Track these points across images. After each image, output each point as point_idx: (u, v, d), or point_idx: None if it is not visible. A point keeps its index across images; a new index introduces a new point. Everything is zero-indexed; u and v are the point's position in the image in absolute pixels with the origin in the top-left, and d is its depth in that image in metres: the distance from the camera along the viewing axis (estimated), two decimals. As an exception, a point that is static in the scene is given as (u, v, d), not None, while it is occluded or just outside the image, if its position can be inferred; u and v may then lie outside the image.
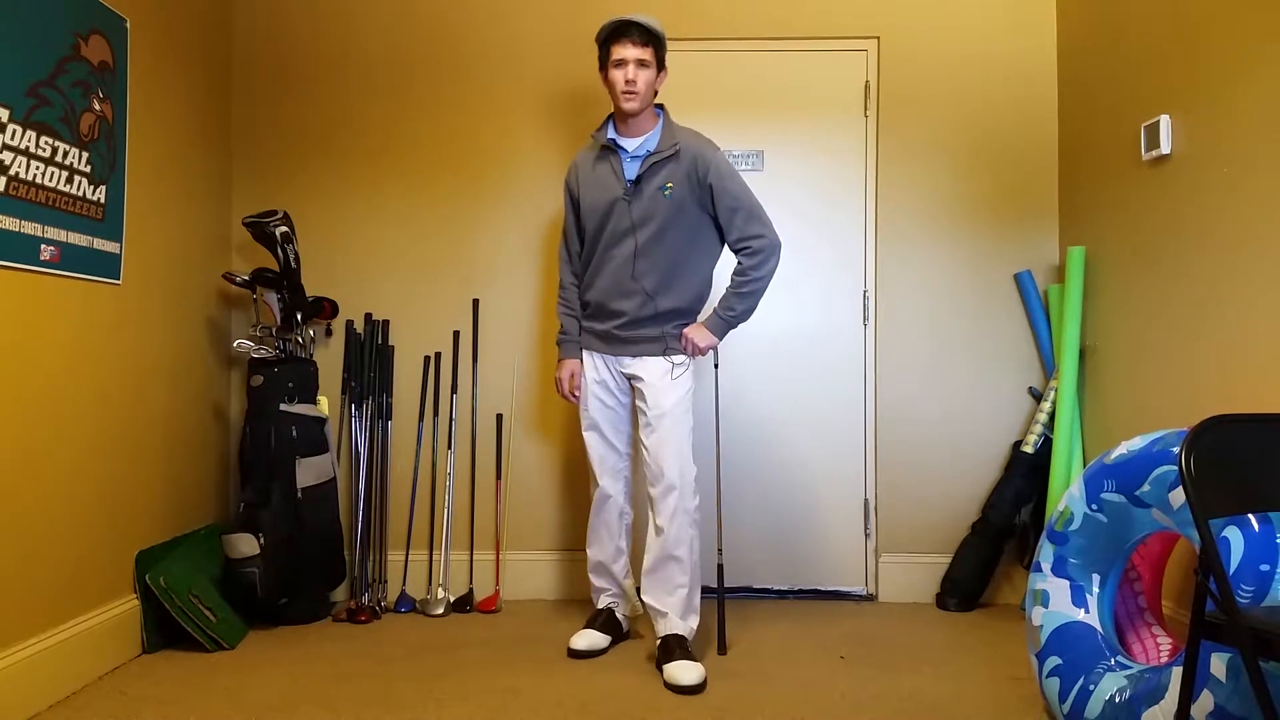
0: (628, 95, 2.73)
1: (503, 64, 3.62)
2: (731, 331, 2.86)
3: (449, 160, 3.62)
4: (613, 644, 2.96)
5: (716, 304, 2.82)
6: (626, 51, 2.72)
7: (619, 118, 2.82)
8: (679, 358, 2.80)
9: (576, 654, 2.85)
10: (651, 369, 2.81)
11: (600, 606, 3.01)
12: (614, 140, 2.82)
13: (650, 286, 2.78)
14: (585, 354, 2.94)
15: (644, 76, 2.73)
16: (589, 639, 2.89)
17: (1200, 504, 1.69)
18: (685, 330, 2.79)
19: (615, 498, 2.94)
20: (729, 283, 2.81)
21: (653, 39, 2.75)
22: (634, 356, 2.83)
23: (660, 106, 2.87)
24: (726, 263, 2.89)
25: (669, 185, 2.75)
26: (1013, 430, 3.56)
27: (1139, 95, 3.02)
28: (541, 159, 3.60)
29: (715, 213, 2.79)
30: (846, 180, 3.62)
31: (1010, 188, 3.59)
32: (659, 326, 2.80)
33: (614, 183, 2.81)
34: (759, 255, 2.76)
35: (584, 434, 2.95)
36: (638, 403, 2.86)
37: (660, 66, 2.80)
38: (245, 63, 3.62)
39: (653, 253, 2.78)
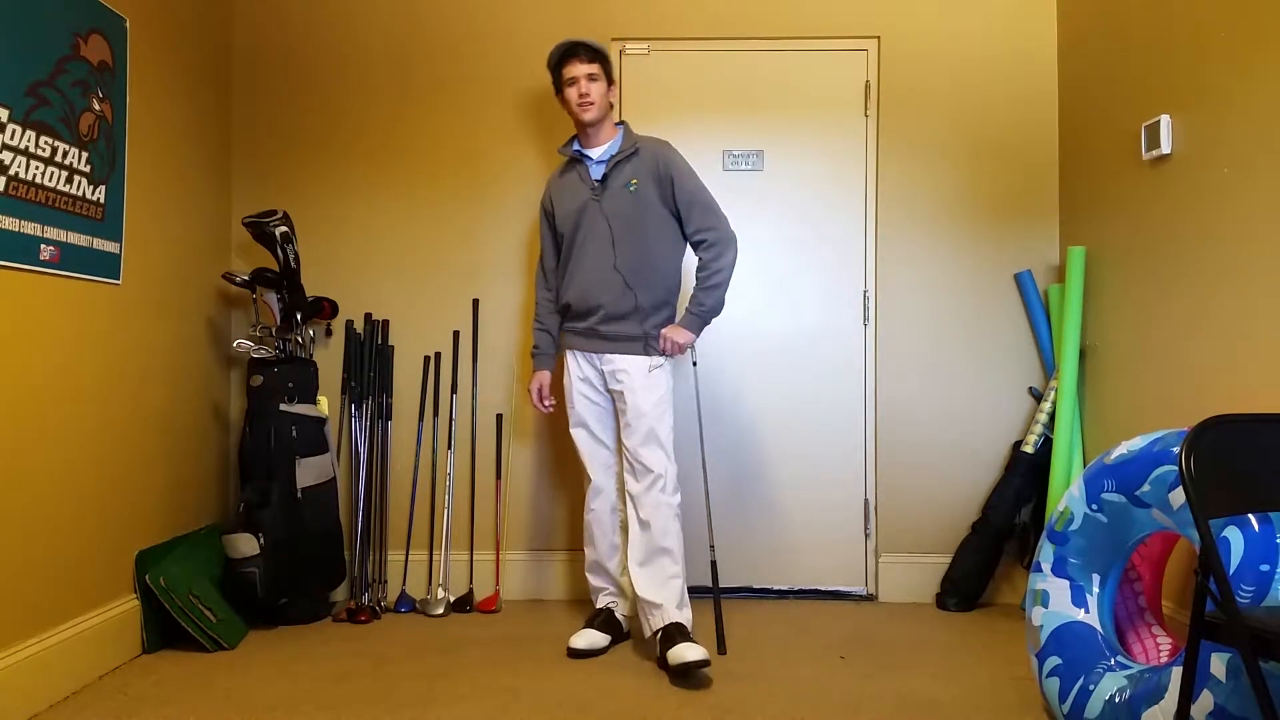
0: (584, 106, 2.91)
1: (503, 64, 3.62)
2: (707, 327, 2.96)
3: (449, 160, 3.62)
4: (612, 643, 2.96)
5: (688, 304, 2.91)
6: (576, 70, 2.91)
7: (581, 132, 2.99)
8: (658, 359, 2.89)
9: (576, 653, 2.86)
10: (631, 368, 2.88)
11: (599, 606, 3.02)
12: (579, 151, 2.99)
13: (627, 274, 2.88)
14: (568, 354, 3.03)
15: (596, 88, 2.91)
16: (588, 638, 2.90)
17: (1200, 504, 1.69)
18: (663, 330, 2.88)
19: (606, 493, 3.00)
20: (695, 282, 2.91)
21: (598, 55, 2.94)
22: (614, 354, 2.91)
23: (621, 122, 3.04)
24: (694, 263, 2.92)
25: (633, 181, 2.90)
26: (1013, 430, 3.56)
27: (1139, 95, 3.02)
28: (541, 159, 3.60)
29: (675, 206, 2.92)
30: (846, 180, 3.62)
31: (1010, 188, 3.59)
32: (640, 324, 2.88)
33: (582, 187, 2.96)
34: (716, 247, 2.88)
35: (571, 431, 3.03)
36: (618, 403, 2.93)
37: (610, 80, 2.97)
38: (245, 62, 3.62)
39: (627, 241, 2.89)
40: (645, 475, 2.82)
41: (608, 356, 2.92)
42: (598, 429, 2.99)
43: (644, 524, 2.81)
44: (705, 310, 2.89)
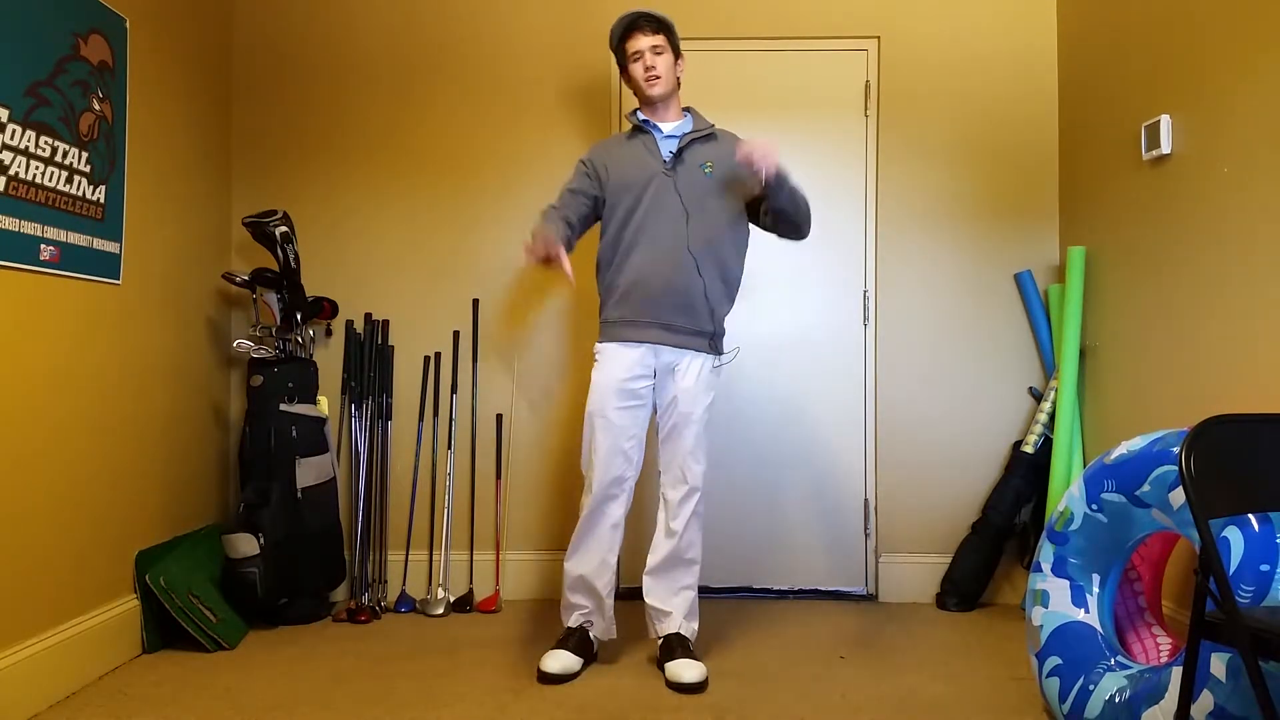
0: (650, 80, 2.75)
1: (503, 63, 3.62)
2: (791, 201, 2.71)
3: (449, 160, 3.62)
4: (584, 667, 2.73)
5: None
6: (640, 43, 2.75)
7: (648, 106, 2.81)
8: (718, 360, 2.79)
9: (548, 678, 2.63)
10: (691, 367, 2.73)
11: (572, 626, 2.77)
12: (647, 121, 2.81)
13: (699, 257, 2.69)
14: (612, 346, 2.74)
15: (662, 62, 2.75)
16: (562, 661, 2.67)
17: (1200, 504, 1.69)
18: (755, 140, 2.59)
19: (612, 510, 2.73)
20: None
21: (663, 27, 2.77)
22: (677, 348, 2.72)
23: (688, 108, 2.87)
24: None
25: (709, 164, 2.74)
26: (1013, 430, 3.56)
27: (1139, 95, 3.02)
28: (541, 158, 3.59)
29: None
30: (846, 180, 3.61)
31: (1010, 188, 3.59)
32: (709, 319, 2.74)
33: (650, 160, 2.75)
34: None
35: (594, 437, 2.71)
36: (658, 401, 2.76)
37: (677, 53, 2.81)
38: (245, 62, 3.62)
39: (701, 223, 2.71)
40: (683, 485, 2.72)
41: (667, 350, 2.71)
42: (626, 439, 2.70)
43: (672, 533, 2.72)
44: (790, 188, 2.66)
